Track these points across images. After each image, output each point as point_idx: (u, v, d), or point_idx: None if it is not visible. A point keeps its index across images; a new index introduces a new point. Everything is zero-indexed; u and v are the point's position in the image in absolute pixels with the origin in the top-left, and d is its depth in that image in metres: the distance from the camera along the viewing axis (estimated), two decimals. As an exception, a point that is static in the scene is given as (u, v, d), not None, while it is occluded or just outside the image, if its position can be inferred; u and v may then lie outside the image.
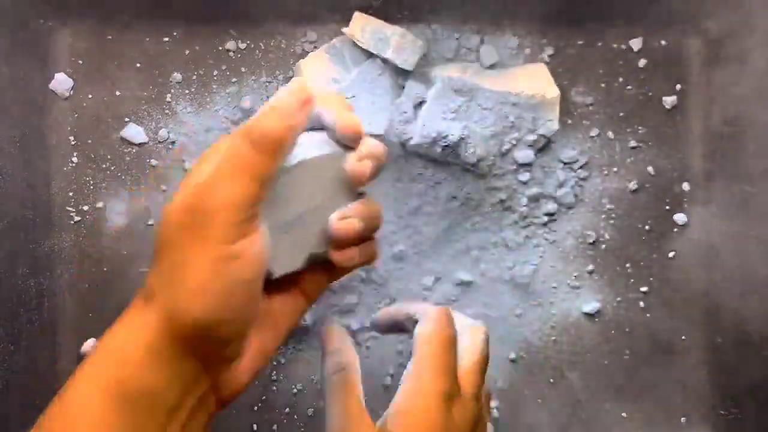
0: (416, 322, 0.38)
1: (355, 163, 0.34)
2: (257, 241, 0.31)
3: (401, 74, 0.53)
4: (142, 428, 0.29)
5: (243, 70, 0.55)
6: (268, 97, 0.55)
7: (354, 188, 0.35)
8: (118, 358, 0.29)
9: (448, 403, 0.34)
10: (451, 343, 0.36)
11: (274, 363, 0.55)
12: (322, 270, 0.37)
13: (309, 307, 0.38)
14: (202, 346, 0.31)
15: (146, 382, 0.29)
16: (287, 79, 0.55)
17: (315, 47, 0.55)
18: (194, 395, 0.31)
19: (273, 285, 0.35)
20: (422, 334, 0.36)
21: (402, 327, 0.40)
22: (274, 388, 0.56)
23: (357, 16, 0.52)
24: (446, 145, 0.51)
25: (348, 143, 0.34)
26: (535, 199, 0.55)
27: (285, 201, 0.34)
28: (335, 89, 0.51)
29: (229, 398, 0.34)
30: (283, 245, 0.34)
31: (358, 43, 0.52)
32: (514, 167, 0.54)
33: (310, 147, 0.34)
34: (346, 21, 0.54)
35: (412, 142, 0.51)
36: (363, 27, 0.52)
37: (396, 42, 0.52)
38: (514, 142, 0.53)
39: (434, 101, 0.51)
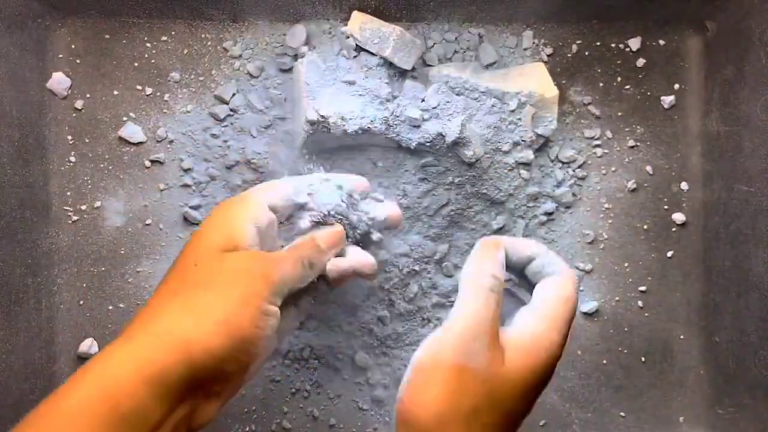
0: (529, 261, 0.41)
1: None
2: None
3: (400, 73, 0.53)
4: None
5: (241, 68, 0.55)
6: (266, 96, 0.55)
7: None
8: (119, 385, 0.32)
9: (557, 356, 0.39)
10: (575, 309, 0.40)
11: (274, 364, 0.55)
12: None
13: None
14: (206, 381, 0.34)
15: (141, 406, 0.32)
16: (285, 78, 0.55)
17: (314, 46, 0.55)
18: (174, 420, 0.34)
19: None
20: (563, 294, 0.39)
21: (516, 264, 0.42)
22: (272, 388, 0.56)
23: (356, 14, 0.52)
24: (445, 146, 0.51)
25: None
26: (533, 198, 0.55)
27: None
28: (332, 87, 0.51)
29: (197, 428, 0.36)
30: None
31: (356, 42, 0.52)
32: (513, 166, 0.54)
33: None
34: (345, 20, 0.54)
35: (410, 142, 0.51)
36: (362, 26, 0.52)
37: (395, 41, 0.52)
38: (512, 141, 0.53)
39: (432, 101, 0.51)
